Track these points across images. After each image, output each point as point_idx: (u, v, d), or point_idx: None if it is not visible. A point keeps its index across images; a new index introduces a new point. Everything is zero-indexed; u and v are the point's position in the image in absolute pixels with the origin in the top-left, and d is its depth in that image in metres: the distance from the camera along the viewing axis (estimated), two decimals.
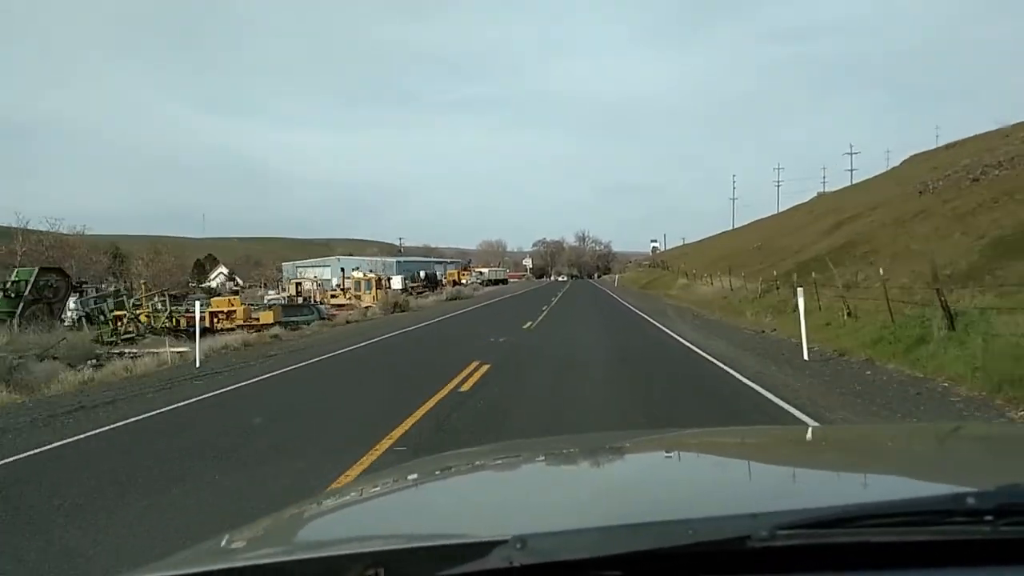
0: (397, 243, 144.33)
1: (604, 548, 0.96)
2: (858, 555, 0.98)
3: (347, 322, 30.59)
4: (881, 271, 16.84)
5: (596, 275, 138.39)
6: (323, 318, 33.27)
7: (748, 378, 11.45)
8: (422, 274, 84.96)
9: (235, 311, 31.88)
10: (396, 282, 70.66)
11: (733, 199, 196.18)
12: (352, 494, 1.81)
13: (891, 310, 15.94)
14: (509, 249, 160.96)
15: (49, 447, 7.74)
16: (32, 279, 31.38)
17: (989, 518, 0.98)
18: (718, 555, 0.97)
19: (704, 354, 14.78)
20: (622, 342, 18.05)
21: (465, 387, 10.41)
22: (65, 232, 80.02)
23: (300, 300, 44.11)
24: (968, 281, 17.46)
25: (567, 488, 1.65)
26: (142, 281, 34.26)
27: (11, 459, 7.23)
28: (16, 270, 34.95)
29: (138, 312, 32.13)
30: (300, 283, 48.12)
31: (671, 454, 2.04)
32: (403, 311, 36.90)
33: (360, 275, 47.44)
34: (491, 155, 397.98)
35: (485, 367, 12.45)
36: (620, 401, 9.67)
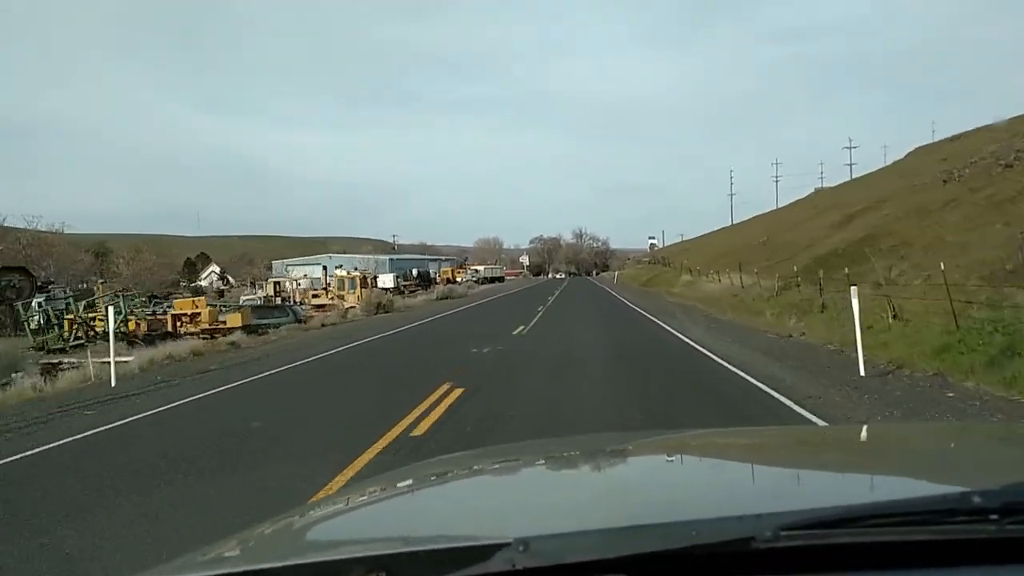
0: (392, 241, 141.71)
1: (607, 550, 0.96)
2: (862, 555, 0.97)
3: (322, 325, 27.82)
4: (942, 265, 14.02)
5: (594, 272, 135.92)
6: (299, 320, 30.49)
7: (799, 404, 8.76)
8: (415, 272, 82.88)
9: (200, 314, 29.12)
10: (388, 280, 68.23)
11: (731, 195, 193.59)
12: (353, 498, 1.76)
13: (954, 312, 13.23)
14: (506, 247, 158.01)
15: None
16: None
17: (994, 517, 0.97)
18: (722, 556, 0.96)
19: (734, 369, 12.00)
20: (631, 352, 15.29)
21: (420, 430, 7.59)
22: (43, 230, 77.13)
23: (278, 300, 41.35)
24: None
25: (569, 490, 1.64)
26: (100, 281, 31.38)
27: None
28: None
29: (92, 316, 29.41)
30: (279, 282, 45.18)
31: (673, 455, 2.00)
32: (387, 312, 34.14)
33: (344, 273, 44.52)
34: (490, 155, 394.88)
35: (456, 394, 9.64)
36: None
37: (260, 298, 40.02)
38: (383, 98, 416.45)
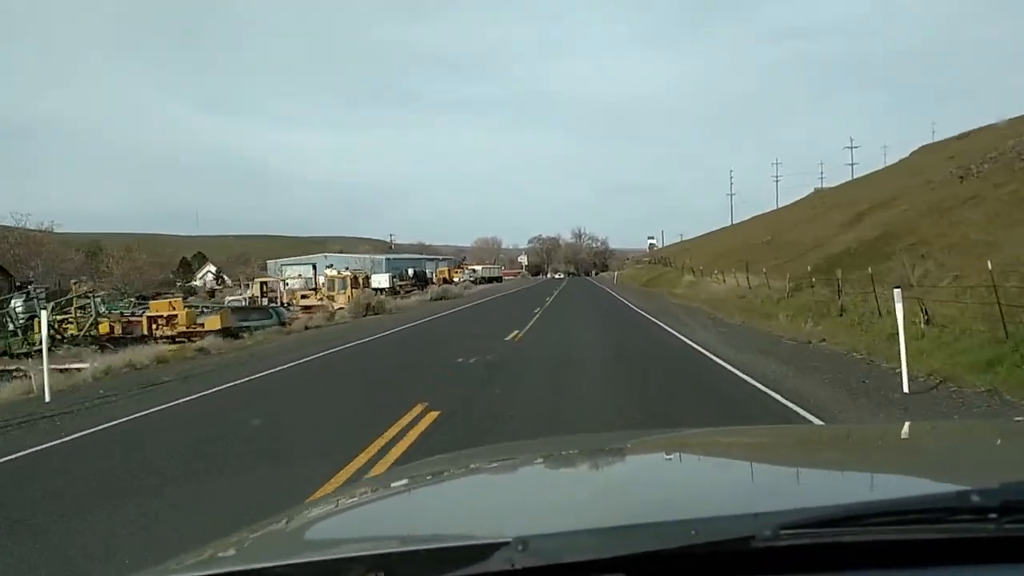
0: (389, 240, 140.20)
1: (606, 549, 0.95)
2: (862, 554, 0.97)
3: (306, 328, 26.22)
4: (990, 264, 12.43)
5: (594, 272, 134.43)
6: (282, 323, 28.88)
7: None
8: (410, 272, 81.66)
9: (177, 316, 27.52)
10: (383, 280, 66.76)
11: (731, 195, 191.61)
12: (352, 497, 1.75)
13: (1003, 317, 11.67)
14: (505, 246, 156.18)
15: None
16: None
17: (993, 516, 0.97)
18: (721, 555, 0.96)
19: (758, 385, 10.38)
20: (637, 363, 13.72)
21: (378, 469, 5.96)
22: (32, 228, 75.58)
23: (265, 301, 39.75)
24: None
25: (568, 489, 1.64)
26: (73, 282, 29.78)
27: None
28: None
29: (64, 317, 27.82)
30: (266, 282, 43.52)
31: (672, 454, 2.00)
32: (376, 314, 32.55)
33: (334, 273, 42.85)
34: (490, 155, 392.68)
35: (431, 418, 8.05)
36: None
37: (245, 299, 38.40)
38: (383, 98, 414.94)
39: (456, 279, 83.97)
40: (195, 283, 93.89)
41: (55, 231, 77.97)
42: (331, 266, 47.10)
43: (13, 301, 29.97)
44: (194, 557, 1.21)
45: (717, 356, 13.47)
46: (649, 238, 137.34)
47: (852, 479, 1.56)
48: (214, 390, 11.51)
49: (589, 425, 7.72)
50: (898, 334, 15.20)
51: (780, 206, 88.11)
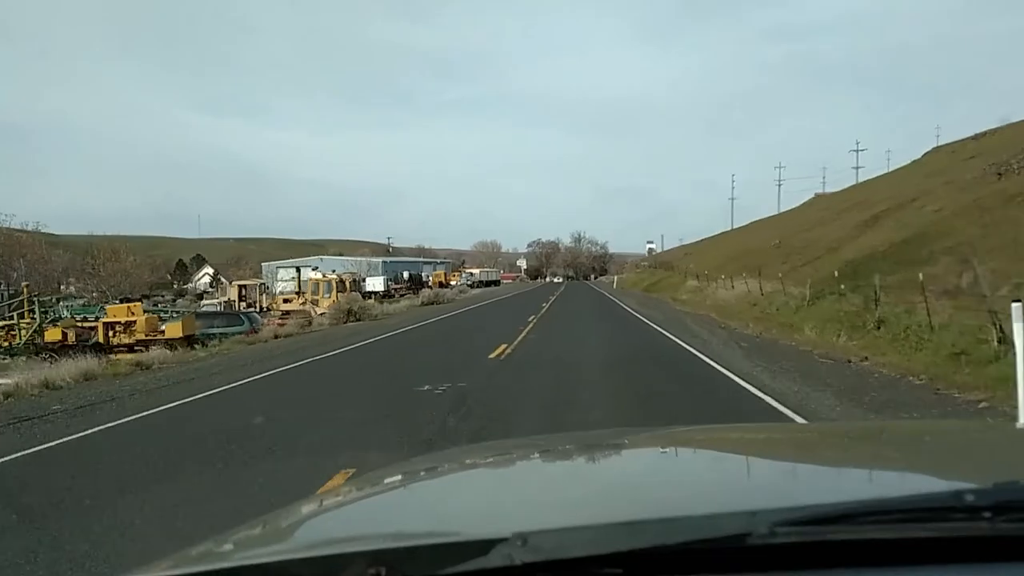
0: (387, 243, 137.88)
1: (605, 545, 0.95)
2: (857, 552, 0.97)
3: (275, 337, 23.64)
4: None
5: (593, 276, 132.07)
6: (255, 330, 26.32)
7: None
8: (405, 275, 79.64)
9: (135, 322, 24.97)
10: (377, 283, 64.39)
11: (732, 199, 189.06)
12: (352, 493, 1.75)
13: None
14: (504, 250, 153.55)
15: None
16: None
17: (987, 515, 0.98)
18: (718, 552, 0.96)
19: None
20: (648, 385, 11.16)
21: None
22: (16, 228, 73.17)
23: (243, 306, 37.20)
24: None
25: (567, 485, 1.63)
26: (25, 284, 27.26)
27: None
28: None
29: (8, 324, 25.30)
30: (244, 286, 40.89)
31: (670, 451, 1.98)
32: (358, 320, 29.99)
33: (319, 276, 40.23)
34: (489, 156, 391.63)
35: None
36: None
37: (221, 304, 35.84)
38: (382, 99, 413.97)
39: (453, 283, 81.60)
40: (189, 285, 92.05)
41: (43, 231, 75.75)
42: (315, 268, 44.50)
43: None
44: (193, 552, 1.20)
45: (750, 383, 10.82)
46: (648, 242, 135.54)
47: (848, 477, 1.57)
48: (97, 429, 8.91)
49: None
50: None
51: (786, 209, 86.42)
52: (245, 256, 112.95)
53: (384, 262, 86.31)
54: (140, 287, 67.81)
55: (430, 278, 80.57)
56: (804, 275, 29.31)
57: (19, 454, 7.77)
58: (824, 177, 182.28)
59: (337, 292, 38.33)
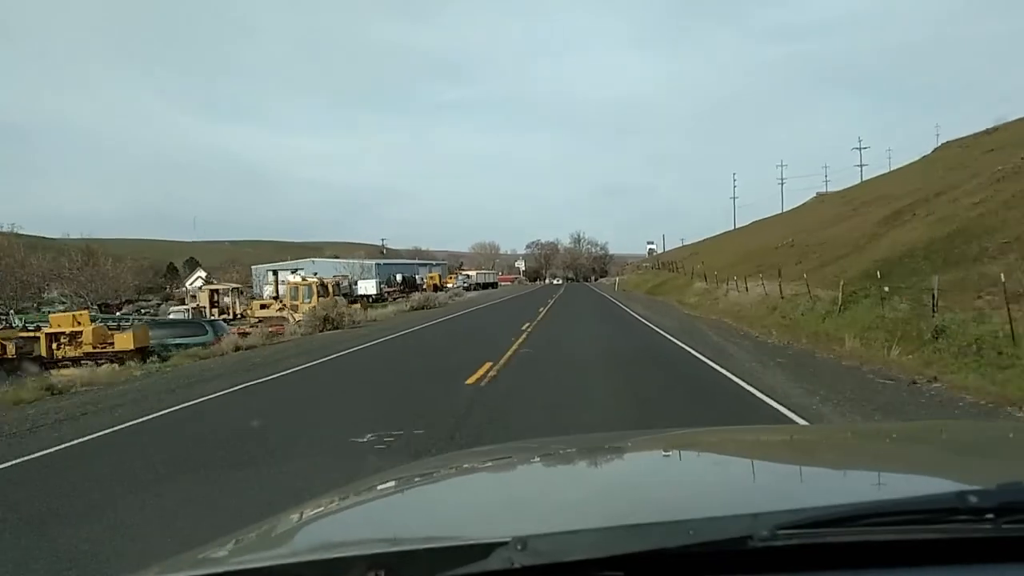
0: (381, 245, 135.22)
1: (605, 549, 0.95)
2: (859, 554, 0.97)
3: (236, 349, 20.89)
4: None
5: (593, 278, 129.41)
6: (220, 340, 23.54)
7: None
8: (399, 277, 77.10)
9: (82, 332, 22.24)
10: (370, 286, 61.68)
11: (734, 198, 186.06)
12: (352, 496, 1.69)
13: None
14: (502, 251, 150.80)
15: None
16: None
17: (991, 516, 0.97)
18: (719, 555, 0.96)
19: None
20: (660, 414, 8.43)
21: None
22: None
23: (215, 312, 34.44)
24: None
25: (567, 489, 1.62)
26: None
27: None
28: None
29: None
30: (216, 291, 38.14)
31: (671, 454, 1.96)
32: (335, 328, 27.25)
33: (298, 279, 37.49)
34: (489, 157, 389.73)
35: None
36: None
37: (189, 311, 33.14)
38: (380, 101, 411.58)
39: (449, 285, 78.89)
40: (181, 289, 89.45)
41: (19, 232, 73.01)
42: (294, 271, 41.74)
43: None
44: (195, 556, 1.20)
45: (809, 421, 8.10)
46: (649, 243, 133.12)
47: (850, 479, 1.55)
48: None
49: None
50: None
51: (791, 207, 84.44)
52: (240, 259, 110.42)
53: (377, 264, 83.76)
54: (126, 291, 65.06)
55: (424, 280, 78.03)
56: (826, 276, 26.68)
57: None
58: (827, 176, 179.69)
59: (318, 297, 35.56)
